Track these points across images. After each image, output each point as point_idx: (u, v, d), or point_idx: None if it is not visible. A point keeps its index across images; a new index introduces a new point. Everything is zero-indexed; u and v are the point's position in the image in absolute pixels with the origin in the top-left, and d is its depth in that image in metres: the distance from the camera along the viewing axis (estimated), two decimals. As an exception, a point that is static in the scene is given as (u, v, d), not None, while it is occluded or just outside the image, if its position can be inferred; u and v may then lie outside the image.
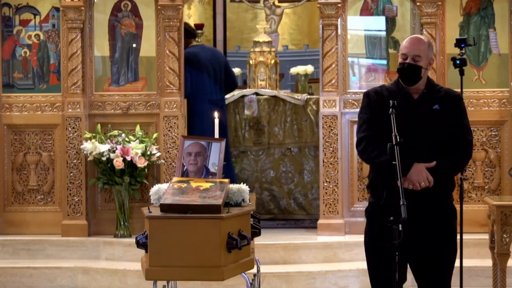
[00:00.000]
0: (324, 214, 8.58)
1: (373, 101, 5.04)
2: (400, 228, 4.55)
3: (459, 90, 7.65)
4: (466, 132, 5.03)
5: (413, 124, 4.87)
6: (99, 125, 8.56)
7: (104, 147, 8.34)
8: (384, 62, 8.72)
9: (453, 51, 7.90)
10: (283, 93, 9.47)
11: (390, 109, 4.76)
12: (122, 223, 8.49)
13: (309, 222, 9.29)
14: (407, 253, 4.84)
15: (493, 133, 8.63)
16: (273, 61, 9.71)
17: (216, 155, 5.25)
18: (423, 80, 5.01)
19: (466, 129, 5.04)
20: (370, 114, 5.03)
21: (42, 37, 8.83)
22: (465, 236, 7.39)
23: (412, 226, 4.75)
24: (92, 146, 8.36)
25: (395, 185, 4.70)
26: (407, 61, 4.94)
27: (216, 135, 5.42)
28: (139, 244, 4.92)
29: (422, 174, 4.81)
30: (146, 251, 4.89)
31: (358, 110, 8.54)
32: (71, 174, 8.65)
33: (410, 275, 5.08)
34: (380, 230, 4.90)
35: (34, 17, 8.83)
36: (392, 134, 4.68)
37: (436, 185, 4.85)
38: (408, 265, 5.02)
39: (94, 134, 8.49)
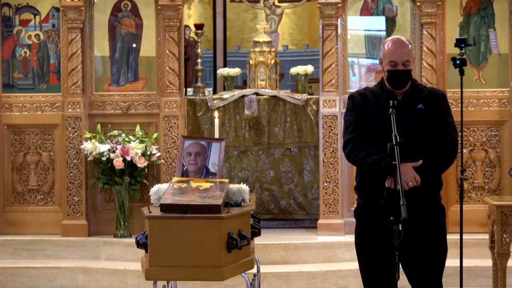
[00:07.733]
0: (324, 214, 8.58)
1: (358, 103, 5.02)
2: (400, 228, 4.54)
3: (459, 90, 7.68)
4: (451, 130, 5.01)
5: (398, 124, 4.80)
6: (99, 125, 8.56)
7: (104, 147, 8.34)
8: (384, 62, 8.70)
9: (453, 51, 7.90)
10: (283, 93, 9.46)
11: (390, 109, 4.76)
12: (122, 223, 8.49)
13: (309, 222, 9.28)
14: (398, 253, 4.84)
15: (493, 133, 8.63)
16: (273, 61, 9.70)
17: (216, 155, 5.25)
18: None
19: (451, 127, 5.01)
20: (356, 116, 5.02)
21: (42, 37, 8.82)
22: (465, 236, 7.39)
23: (402, 226, 4.76)
24: (92, 146, 8.36)
25: (384, 186, 4.73)
26: (398, 67, 4.91)
27: (216, 135, 5.42)
28: (139, 244, 4.93)
29: (409, 173, 4.78)
30: (146, 251, 4.89)
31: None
32: (71, 174, 8.65)
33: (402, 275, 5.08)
34: (370, 231, 4.92)
35: (34, 17, 8.82)
36: (392, 134, 4.67)
37: (423, 184, 4.83)
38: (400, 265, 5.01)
39: (94, 134, 8.49)
